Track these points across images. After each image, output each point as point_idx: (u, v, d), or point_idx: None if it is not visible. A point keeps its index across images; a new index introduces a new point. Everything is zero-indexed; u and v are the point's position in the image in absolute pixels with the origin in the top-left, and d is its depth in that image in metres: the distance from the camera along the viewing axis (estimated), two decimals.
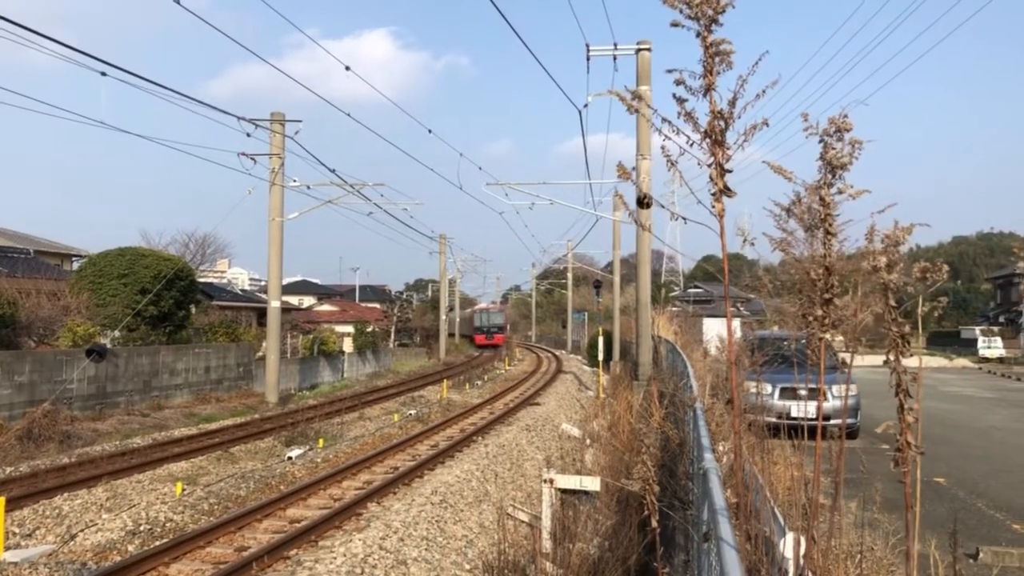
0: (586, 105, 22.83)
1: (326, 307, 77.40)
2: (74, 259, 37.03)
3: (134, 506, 10.79)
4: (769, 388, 13.69)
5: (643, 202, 23.55)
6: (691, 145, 2.75)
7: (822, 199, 2.62)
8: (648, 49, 21.10)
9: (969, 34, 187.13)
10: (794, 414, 7.27)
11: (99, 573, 7.96)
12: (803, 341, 4.43)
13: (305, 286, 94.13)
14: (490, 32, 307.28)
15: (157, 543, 9.24)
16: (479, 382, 32.57)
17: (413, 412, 21.74)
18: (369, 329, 42.31)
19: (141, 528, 9.87)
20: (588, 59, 21.37)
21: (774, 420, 6.87)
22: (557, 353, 59.60)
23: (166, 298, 23.25)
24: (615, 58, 21.19)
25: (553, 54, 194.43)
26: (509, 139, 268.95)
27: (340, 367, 36.65)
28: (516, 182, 26.96)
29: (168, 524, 10.16)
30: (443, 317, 55.14)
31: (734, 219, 2.95)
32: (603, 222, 43.06)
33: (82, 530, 9.79)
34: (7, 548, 8.95)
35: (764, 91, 2.66)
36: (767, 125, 2.71)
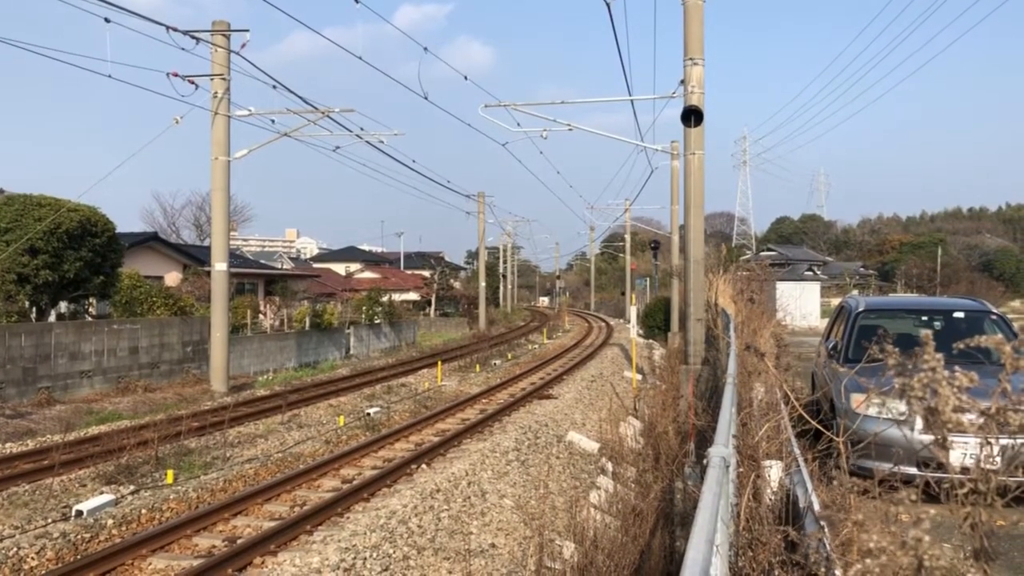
0: None
1: (368, 274, 72.80)
2: None
3: None
4: (902, 407, 4.21)
5: (692, 116, 16.78)
6: None
7: None
8: None
9: None
10: (955, 462, 2.81)
11: None
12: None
13: (352, 253, 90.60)
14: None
15: None
16: (497, 361, 26.54)
17: (375, 409, 15.95)
18: (384, 298, 36.70)
19: None
20: None
21: (915, 472, 4.05)
22: (612, 322, 53.27)
23: (69, 259, 17.86)
24: None
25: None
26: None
27: (344, 343, 31.22)
28: (557, 120, 20.28)
29: None
30: (481, 284, 49.25)
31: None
32: (661, 172, 36.35)
33: None
34: None
35: None
36: None
